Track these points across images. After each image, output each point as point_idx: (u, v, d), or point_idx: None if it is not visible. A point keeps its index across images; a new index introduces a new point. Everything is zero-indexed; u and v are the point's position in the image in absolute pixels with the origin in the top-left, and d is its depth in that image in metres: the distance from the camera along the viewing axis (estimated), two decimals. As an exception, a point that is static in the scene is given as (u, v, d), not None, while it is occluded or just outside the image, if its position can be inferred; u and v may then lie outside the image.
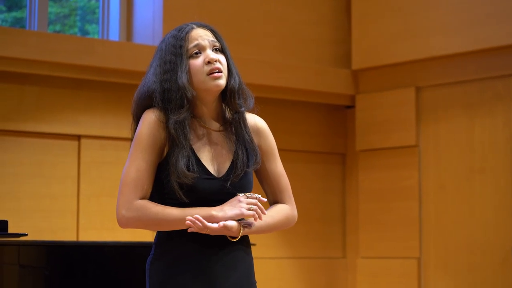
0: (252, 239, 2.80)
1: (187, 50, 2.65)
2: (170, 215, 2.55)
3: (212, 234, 2.54)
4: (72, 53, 5.39)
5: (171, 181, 2.57)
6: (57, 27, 6.20)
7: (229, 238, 2.61)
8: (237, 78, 2.70)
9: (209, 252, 2.59)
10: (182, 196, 2.56)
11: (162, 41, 2.71)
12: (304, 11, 6.59)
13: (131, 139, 2.69)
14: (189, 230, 2.53)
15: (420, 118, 6.30)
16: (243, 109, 2.70)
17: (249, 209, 2.55)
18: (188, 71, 2.63)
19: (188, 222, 2.50)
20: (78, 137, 5.58)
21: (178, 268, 2.59)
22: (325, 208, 6.74)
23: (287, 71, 6.29)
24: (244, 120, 2.70)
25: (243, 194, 2.57)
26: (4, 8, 6.05)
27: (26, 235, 3.82)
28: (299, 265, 6.55)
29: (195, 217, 2.51)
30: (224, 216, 2.55)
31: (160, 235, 2.66)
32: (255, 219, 2.59)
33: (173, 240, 2.61)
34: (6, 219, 3.84)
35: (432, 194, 6.19)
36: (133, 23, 6.08)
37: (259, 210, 2.57)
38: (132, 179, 2.59)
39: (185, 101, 2.61)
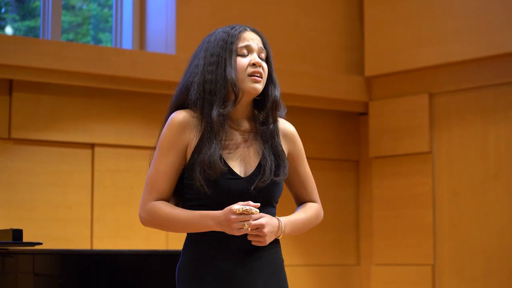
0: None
1: (237, 48, 2.67)
2: (178, 217, 2.57)
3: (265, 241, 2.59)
4: (86, 61, 5.40)
5: (195, 173, 2.57)
6: (71, 36, 6.22)
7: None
8: (279, 89, 2.76)
9: (235, 258, 2.59)
10: (205, 187, 2.55)
11: (211, 35, 2.73)
12: (317, 19, 6.58)
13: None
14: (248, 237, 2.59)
15: (434, 125, 6.28)
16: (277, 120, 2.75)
17: (242, 227, 2.53)
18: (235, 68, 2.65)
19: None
20: (92, 146, 5.59)
21: (203, 276, 2.59)
22: (339, 215, 6.73)
23: (300, 78, 6.29)
24: (278, 130, 2.75)
25: (237, 207, 2.51)
26: (17, 17, 6.07)
27: (40, 244, 3.83)
28: (313, 272, 6.53)
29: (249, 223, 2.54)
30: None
31: (186, 241, 2.67)
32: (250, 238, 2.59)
33: (199, 246, 2.61)
34: (21, 228, 3.86)
35: (446, 201, 6.17)
36: (146, 32, 6.09)
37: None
38: (150, 181, 2.63)
39: (233, 95, 2.64)
